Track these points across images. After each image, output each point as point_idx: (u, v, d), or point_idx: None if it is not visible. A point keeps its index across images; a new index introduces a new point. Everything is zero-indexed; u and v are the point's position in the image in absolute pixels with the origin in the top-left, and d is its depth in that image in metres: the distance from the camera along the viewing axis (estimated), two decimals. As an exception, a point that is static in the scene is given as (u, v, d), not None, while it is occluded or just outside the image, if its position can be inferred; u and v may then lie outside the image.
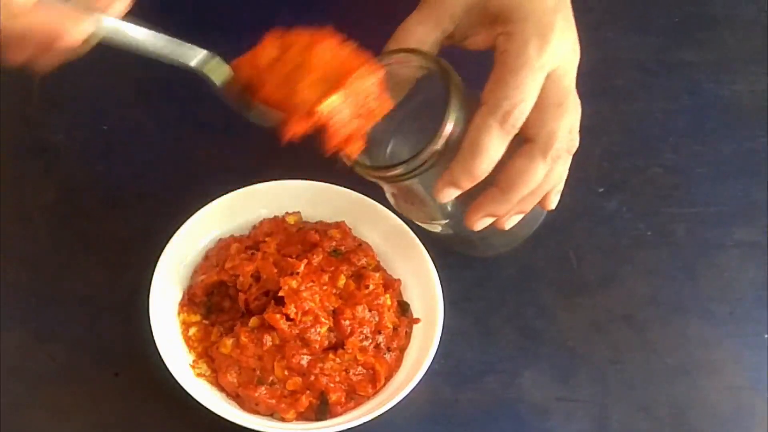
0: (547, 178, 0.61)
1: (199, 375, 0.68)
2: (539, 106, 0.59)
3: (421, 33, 0.62)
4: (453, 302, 0.70)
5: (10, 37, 0.48)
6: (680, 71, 0.85)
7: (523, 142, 0.60)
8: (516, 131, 0.59)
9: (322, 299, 0.68)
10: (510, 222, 0.64)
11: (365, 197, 0.74)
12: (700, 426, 0.70)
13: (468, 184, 0.59)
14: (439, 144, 0.58)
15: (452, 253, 0.73)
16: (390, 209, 0.73)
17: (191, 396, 0.65)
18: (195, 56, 0.59)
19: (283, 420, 0.66)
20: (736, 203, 0.79)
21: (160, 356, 0.66)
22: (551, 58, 0.58)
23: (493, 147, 0.58)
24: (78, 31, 0.50)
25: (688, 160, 0.81)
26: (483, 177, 0.59)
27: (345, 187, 0.74)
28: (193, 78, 0.85)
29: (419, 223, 0.70)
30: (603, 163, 0.79)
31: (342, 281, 0.69)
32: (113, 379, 0.69)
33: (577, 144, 0.61)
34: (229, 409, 0.66)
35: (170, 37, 0.57)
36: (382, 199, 0.74)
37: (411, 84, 0.63)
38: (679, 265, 0.76)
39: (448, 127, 0.58)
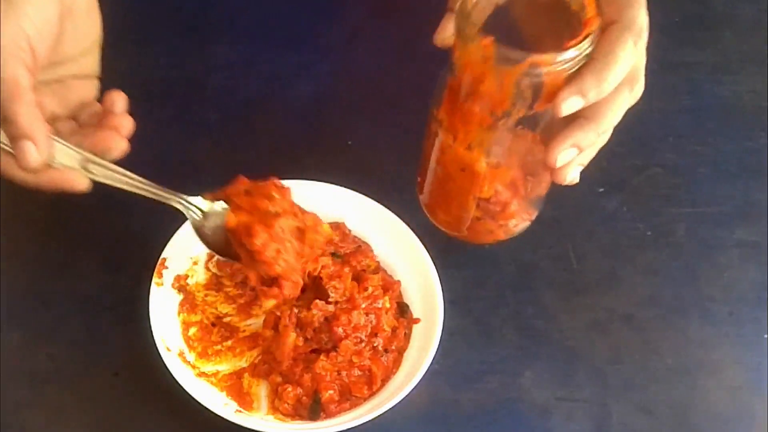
0: (622, 106, 0.62)
1: (199, 375, 0.68)
2: None
3: None
4: (453, 302, 0.70)
5: (28, 184, 0.64)
6: (680, 71, 0.85)
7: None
8: (642, 54, 0.60)
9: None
10: (572, 173, 0.64)
11: (365, 197, 0.74)
12: (700, 426, 0.70)
13: (594, 96, 0.59)
14: (591, 43, 0.58)
15: (452, 252, 0.73)
16: (390, 209, 0.73)
17: (191, 396, 0.65)
18: (177, 201, 0.66)
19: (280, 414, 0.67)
20: (736, 203, 0.79)
21: (160, 356, 0.66)
22: None
23: (626, 61, 0.59)
24: (75, 187, 0.64)
25: (688, 160, 0.81)
26: (609, 92, 0.59)
27: (345, 187, 0.74)
28: (193, 78, 0.85)
29: (450, 185, 0.68)
30: (603, 163, 0.79)
31: (348, 281, 0.69)
32: (113, 379, 0.69)
33: (642, 90, 0.63)
34: (229, 409, 0.66)
35: (152, 184, 0.65)
36: (382, 199, 0.74)
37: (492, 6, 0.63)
38: (679, 265, 0.76)
39: (597, 30, 0.59)
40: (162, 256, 0.71)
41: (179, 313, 0.71)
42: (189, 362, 0.69)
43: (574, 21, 0.60)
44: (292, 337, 0.68)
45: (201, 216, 0.66)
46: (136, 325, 0.69)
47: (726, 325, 0.73)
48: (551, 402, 0.70)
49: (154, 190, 0.65)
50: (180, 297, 0.72)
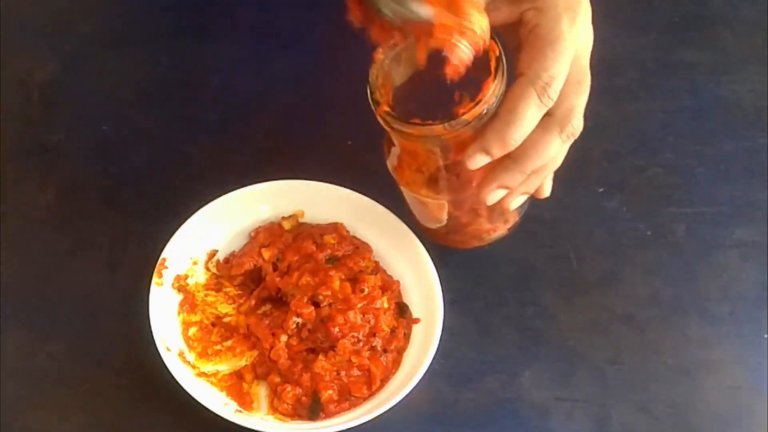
0: (557, 155, 0.62)
1: (199, 375, 0.68)
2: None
3: None
4: (453, 302, 0.70)
5: None
6: (680, 71, 0.85)
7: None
8: (551, 104, 0.59)
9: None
10: (515, 202, 0.64)
11: (365, 197, 0.74)
12: (700, 426, 0.70)
13: (499, 153, 0.59)
14: (491, 104, 0.58)
15: (452, 252, 0.73)
16: (390, 209, 0.73)
17: (191, 396, 0.65)
18: None
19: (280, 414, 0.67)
20: (736, 203, 0.79)
21: (160, 356, 0.66)
22: (578, 34, 0.60)
23: (530, 117, 0.59)
24: None
25: (688, 160, 0.80)
26: (514, 147, 0.59)
27: (345, 187, 0.74)
28: (193, 78, 0.85)
29: (416, 205, 0.70)
30: (603, 163, 0.79)
31: (336, 283, 0.69)
32: (113, 378, 0.69)
33: (582, 127, 0.62)
34: (229, 409, 0.66)
35: None
36: (382, 199, 0.74)
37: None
38: (679, 265, 0.76)
39: (499, 89, 0.59)
40: (162, 256, 0.71)
41: (179, 313, 0.71)
42: (189, 362, 0.69)
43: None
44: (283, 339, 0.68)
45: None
46: (136, 325, 0.69)
47: (726, 325, 0.73)
48: (551, 402, 0.70)
49: None
50: (180, 297, 0.72)
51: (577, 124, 0.61)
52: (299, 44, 0.86)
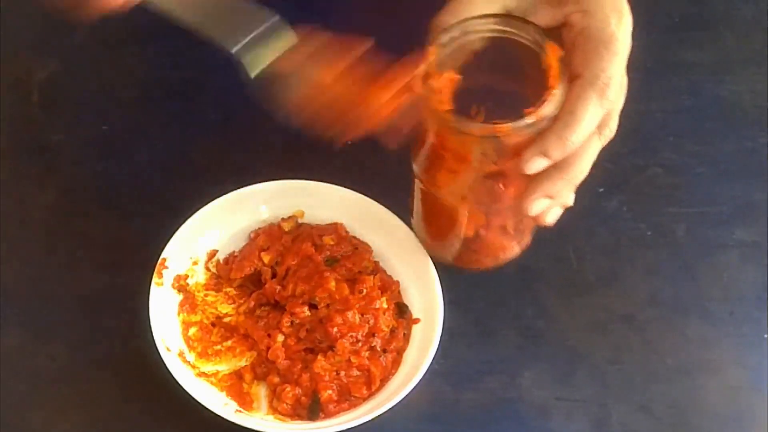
0: (593, 153, 0.61)
1: (199, 375, 0.68)
2: None
3: (482, 7, 0.61)
4: (453, 302, 0.70)
5: None
6: (680, 71, 0.85)
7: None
8: (609, 105, 0.59)
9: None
10: (552, 215, 0.63)
11: (365, 197, 0.74)
12: (700, 426, 0.70)
13: (559, 155, 0.59)
14: (556, 106, 0.58)
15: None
16: (390, 209, 0.73)
17: (191, 396, 0.65)
18: (258, 23, 0.58)
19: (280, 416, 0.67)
20: (736, 203, 0.79)
21: (160, 356, 0.66)
22: (626, 35, 0.60)
23: (590, 118, 0.58)
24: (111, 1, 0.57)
25: (688, 160, 0.80)
26: (573, 150, 0.59)
27: (345, 187, 0.74)
28: (193, 78, 0.85)
29: (434, 217, 0.69)
30: (603, 163, 0.79)
31: (332, 284, 0.69)
32: (113, 379, 0.69)
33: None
34: (229, 409, 0.66)
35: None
36: (382, 200, 0.74)
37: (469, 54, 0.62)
38: (679, 265, 0.76)
39: (564, 89, 0.58)
40: (162, 256, 0.71)
41: (179, 313, 0.71)
42: (189, 362, 0.69)
43: (546, 74, 0.60)
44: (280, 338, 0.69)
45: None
46: (136, 325, 0.69)
47: (726, 325, 0.73)
48: (551, 402, 0.70)
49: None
50: (180, 297, 0.72)
51: (614, 128, 0.61)
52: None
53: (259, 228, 0.74)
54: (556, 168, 0.60)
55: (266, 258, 0.72)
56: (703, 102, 0.84)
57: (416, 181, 0.68)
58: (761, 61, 0.86)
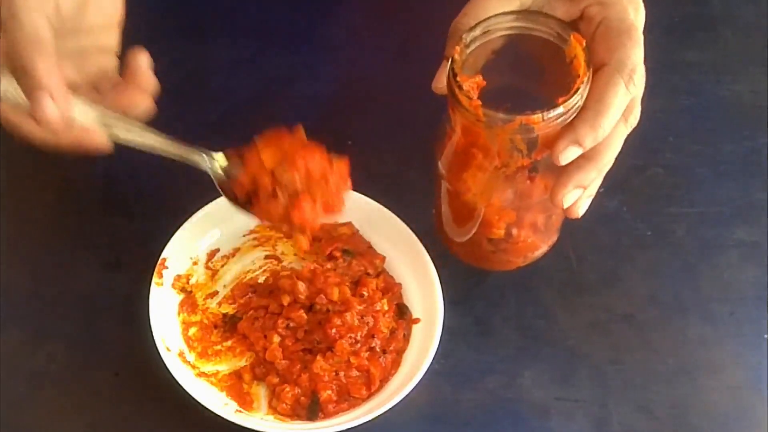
0: (620, 140, 0.62)
1: (199, 375, 0.68)
2: None
3: (499, 7, 0.62)
4: (453, 302, 0.70)
5: (48, 145, 0.64)
6: (680, 71, 0.85)
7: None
8: (636, 92, 0.60)
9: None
10: (583, 206, 0.64)
11: (365, 197, 0.74)
12: (700, 426, 0.70)
13: (591, 143, 0.59)
14: (584, 95, 0.58)
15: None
16: (390, 210, 0.73)
17: (191, 396, 0.65)
18: (200, 159, 0.67)
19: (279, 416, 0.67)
20: (736, 203, 0.79)
21: (160, 356, 0.66)
22: (642, 24, 0.61)
23: (618, 104, 0.59)
24: (97, 145, 0.64)
25: (688, 160, 0.80)
26: (604, 136, 0.59)
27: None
28: (193, 78, 0.85)
29: (464, 219, 0.68)
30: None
31: (335, 293, 0.69)
32: (113, 379, 0.69)
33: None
34: (229, 409, 0.66)
35: (174, 139, 0.67)
36: (382, 200, 0.74)
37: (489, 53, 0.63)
38: (679, 265, 0.76)
39: (589, 78, 0.59)
40: (162, 256, 0.71)
41: (179, 313, 0.71)
42: (189, 362, 0.69)
43: (568, 66, 0.60)
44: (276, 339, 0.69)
45: (222, 171, 0.66)
46: (136, 325, 0.69)
47: (726, 325, 0.73)
48: (551, 402, 0.70)
49: (177, 145, 0.66)
50: (180, 297, 0.72)
51: (638, 115, 0.62)
52: (299, 44, 0.86)
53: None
54: (586, 158, 0.61)
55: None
56: (703, 102, 0.84)
57: (442, 182, 0.67)
58: (761, 61, 0.86)
